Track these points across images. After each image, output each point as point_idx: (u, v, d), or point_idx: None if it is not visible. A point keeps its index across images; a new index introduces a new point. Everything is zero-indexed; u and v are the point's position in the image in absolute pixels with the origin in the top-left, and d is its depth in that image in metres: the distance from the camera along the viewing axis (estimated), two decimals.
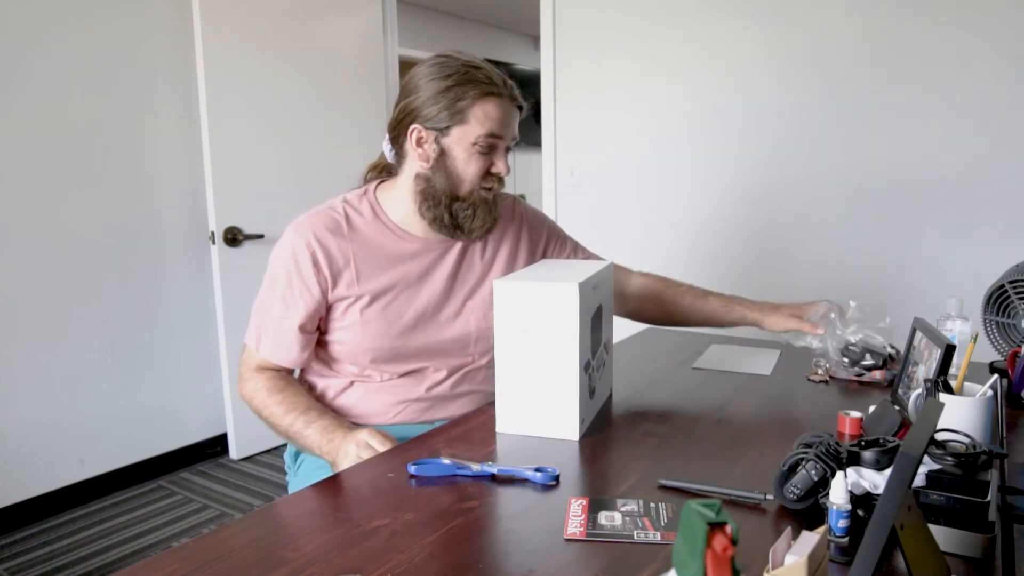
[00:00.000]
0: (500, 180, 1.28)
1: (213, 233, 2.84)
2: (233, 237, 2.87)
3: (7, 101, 2.41)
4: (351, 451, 1.13)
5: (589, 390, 1.19)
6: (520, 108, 1.28)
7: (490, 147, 1.24)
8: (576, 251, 1.54)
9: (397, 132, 1.28)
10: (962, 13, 2.24)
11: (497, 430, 1.17)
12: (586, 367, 1.16)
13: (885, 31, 2.37)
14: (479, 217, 1.27)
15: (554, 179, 3.20)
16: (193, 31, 2.74)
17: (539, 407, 1.14)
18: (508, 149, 1.27)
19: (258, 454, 3.05)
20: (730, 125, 2.71)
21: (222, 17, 2.77)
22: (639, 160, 2.96)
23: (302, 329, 1.26)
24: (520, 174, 6.56)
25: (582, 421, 1.14)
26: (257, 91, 2.91)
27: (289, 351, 1.28)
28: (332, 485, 1.00)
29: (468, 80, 1.20)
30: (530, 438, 1.14)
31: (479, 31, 5.98)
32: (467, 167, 1.24)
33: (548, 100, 3.17)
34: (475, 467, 1.00)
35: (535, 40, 6.31)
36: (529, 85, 6.53)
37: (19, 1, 2.41)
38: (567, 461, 1.06)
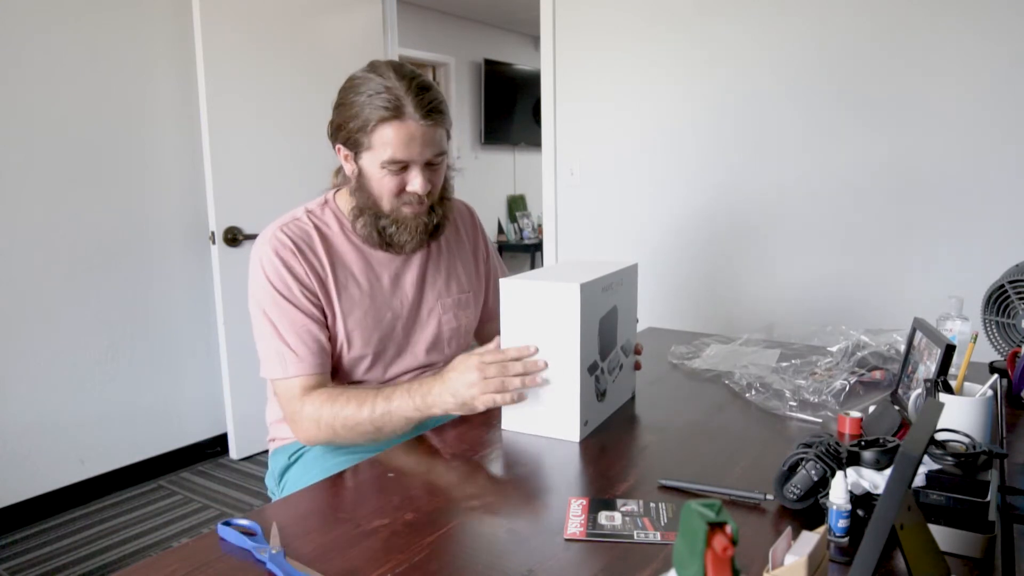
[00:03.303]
0: (420, 197, 1.24)
1: (213, 233, 2.84)
2: (233, 237, 2.87)
3: (7, 101, 2.41)
4: (471, 377, 1.09)
5: (597, 393, 1.17)
6: (441, 124, 1.22)
7: (400, 168, 1.22)
8: (490, 265, 1.54)
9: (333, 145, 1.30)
10: (963, 14, 2.24)
11: (502, 427, 1.17)
12: (592, 369, 1.14)
13: (886, 31, 2.37)
14: (405, 232, 1.27)
15: (554, 179, 3.20)
16: (193, 31, 2.75)
17: (542, 407, 1.13)
18: (431, 164, 1.24)
19: (258, 454, 3.05)
20: (730, 125, 2.71)
21: (222, 17, 2.77)
22: (639, 160, 2.96)
23: (323, 325, 1.25)
24: (520, 174, 6.56)
25: (585, 423, 1.14)
26: (257, 91, 2.91)
27: (322, 352, 1.23)
28: (332, 485, 1.00)
29: (369, 104, 1.18)
30: (532, 437, 1.14)
31: (479, 31, 5.98)
32: (381, 187, 1.24)
33: (548, 100, 3.17)
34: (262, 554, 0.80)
35: (535, 40, 6.32)
36: (529, 85, 6.55)
37: (19, 1, 2.41)
38: (568, 461, 1.06)
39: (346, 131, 1.22)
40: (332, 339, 1.27)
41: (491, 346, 1.14)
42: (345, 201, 1.33)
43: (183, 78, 2.86)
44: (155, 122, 2.81)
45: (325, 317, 1.27)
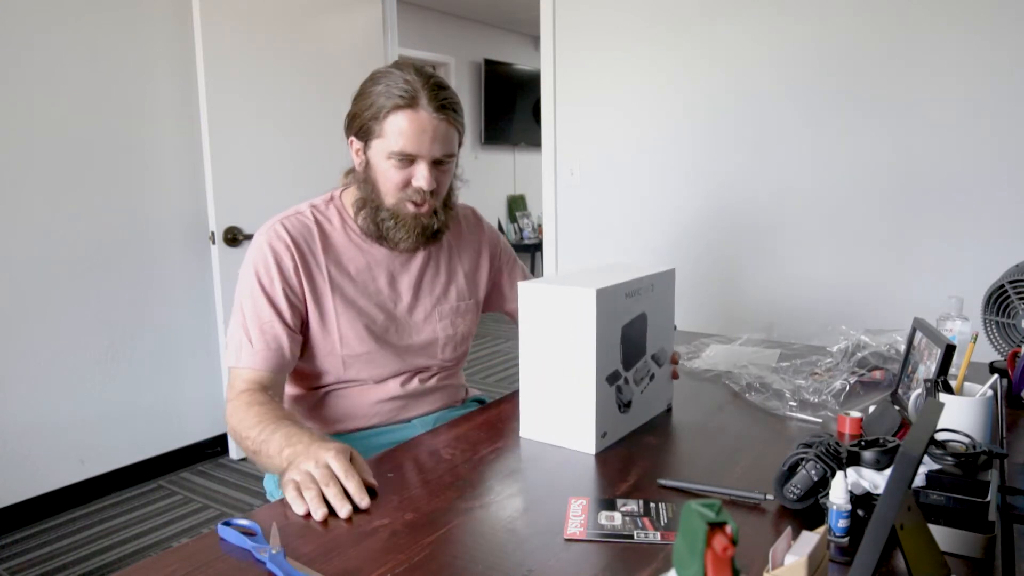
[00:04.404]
0: (424, 194, 1.24)
1: (213, 233, 2.84)
2: (233, 237, 2.87)
3: (7, 101, 2.41)
4: (303, 465, 0.94)
5: (620, 403, 1.13)
6: (453, 123, 1.22)
7: (408, 161, 1.22)
8: (515, 271, 1.54)
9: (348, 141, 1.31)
10: (963, 14, 2.24)
11: (521, 435, 1.15)
12: (612, 379, 1.10)
13: (886, 32, 2.37)
14: (402, 229, 1.26)
15: (554, 179, 3.20)
16: (193, 31, 2.75)
17: (558, 416, 1.10)
18: (438, 162, 1.23)
19: None
20: (730, 125, 2.71)
21: (222, 17, 2.77)
22: (639, 160, 2.96)
23: (291, 328, 1.25)
24: (520, 174, 6.56)
25: (603, 435, 1.09)
26: (257, 91, 2.91)
27: (280, 353, 1.22)
28: None
29: (386, 92, 1.19)
30: (545, 445, 1.12)
31: (479, 31, 5.99)
32: (386, 180, 1.24)
33: (548, 100, 3.17)
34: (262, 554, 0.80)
35: (535, 40, 6.32)
36: (529, 85, 6.55)
37: (19, 1, 2.41)
38: (568, 461, 1.06)
39: (360, 120, 1.23)
40: (321, 338, 1.27)
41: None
42: (351, 199, 1.32)
43: (183, 78, 2.86)
44: (155, 122, 2.81)
45: (306, 320, 1.26)
